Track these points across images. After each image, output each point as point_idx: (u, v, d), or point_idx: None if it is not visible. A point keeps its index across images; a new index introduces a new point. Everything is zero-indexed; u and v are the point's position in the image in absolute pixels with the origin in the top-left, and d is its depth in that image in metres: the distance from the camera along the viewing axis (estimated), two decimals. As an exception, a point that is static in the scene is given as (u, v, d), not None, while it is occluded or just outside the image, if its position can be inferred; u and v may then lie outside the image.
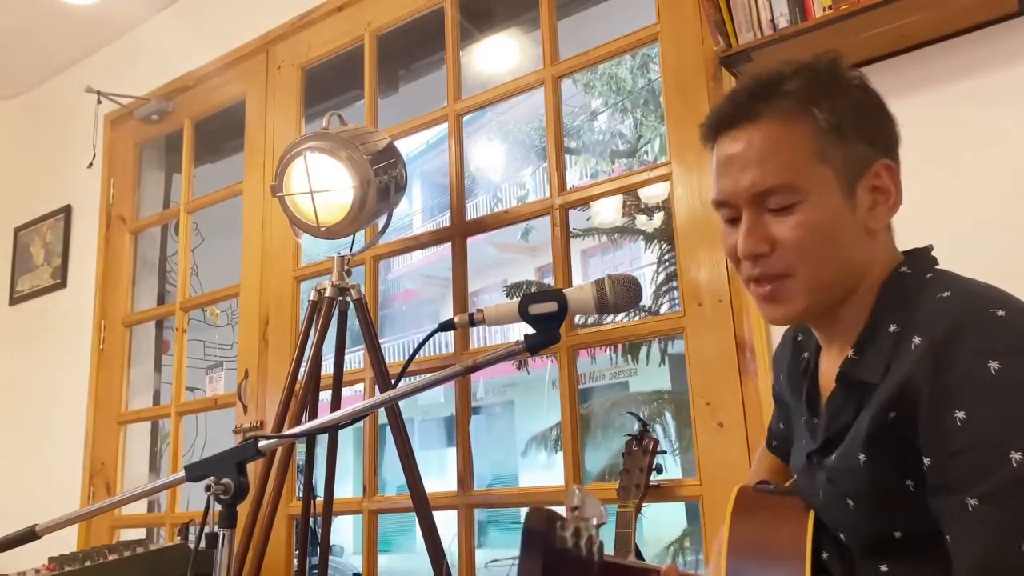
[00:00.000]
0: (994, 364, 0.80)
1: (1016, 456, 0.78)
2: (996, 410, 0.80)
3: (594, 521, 0.68)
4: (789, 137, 0.93)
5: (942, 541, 0.83)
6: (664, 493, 1.78)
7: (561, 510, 0.71)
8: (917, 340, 0.86)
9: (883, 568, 0.93)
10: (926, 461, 0.84)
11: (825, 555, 1.00)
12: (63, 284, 3.42)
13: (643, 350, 8.72)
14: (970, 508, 0.80)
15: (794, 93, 0.94)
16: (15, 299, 3.62)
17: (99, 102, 3.19)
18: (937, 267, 0.98)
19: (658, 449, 1.66)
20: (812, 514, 1.02)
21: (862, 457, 0.90)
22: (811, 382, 1.06)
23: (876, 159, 0.96)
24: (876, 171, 0.95)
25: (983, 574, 0.79)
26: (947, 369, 0.82)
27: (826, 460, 0.98)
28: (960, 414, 0.81)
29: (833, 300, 0.96)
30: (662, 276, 8.42)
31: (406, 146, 2.39)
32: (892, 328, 0.91)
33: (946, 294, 0.88)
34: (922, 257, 0.99)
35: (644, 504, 1.62)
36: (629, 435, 1.68)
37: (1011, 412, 0.80)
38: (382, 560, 2.68)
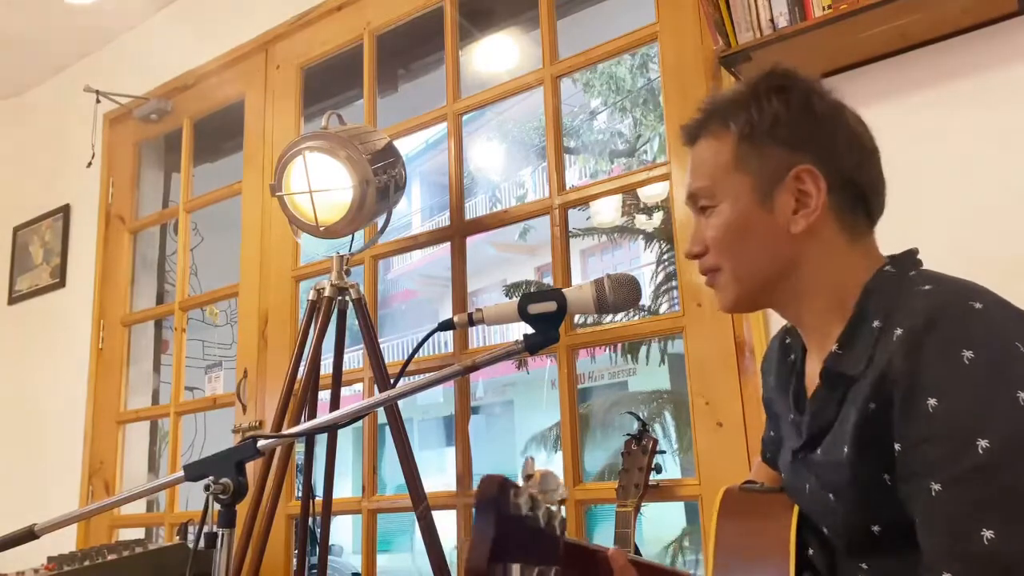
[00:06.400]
0: (967, 353, 0.82)
1: (983, 443, 0.78)
2: (966, 398, 0.81)
3: (555, 495, 0.67)
4: (714, 151, 1.04)
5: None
6: (663, 493, 1.78)
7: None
8: (898, 332, 0.87)
9: (864, 566, 0.94)
10: (896, 447, 0.85)
11: (811, 551, 1.02)
12: (62, 284, 3.42)
13: (642, 350, 8.71)
14: (933, 493, 0.81)
15: (720, 112, 1.05)
16: (14, 299, 3.62)
17: (98, 101, 3.19)
18: (922, 267, 0.99)
19: (657, 449, 1.65)
20: (796, 510, 1.03)
21: (847, 451, 0.91)
22: (798, 381, 1.08)
23: (796, 163, 0.98)
24: (797, 175, 0.98)
25: (943, 559, 0.79)
26: (921, 358, 0.84)
27: (812, 456, 0.99)
28: (932, 401, 0.82)
29: (766, 290, 1.03)
30: (661, 276, 8.42)
31: (405, 146, 2.39)
32: (876, 324, 0.93)
33: (927, 287, 0.90)
34: (906, 257, 1.00)
35: (643, 504, 1.61)
36: (628, 435, 1.67)
37: (981, 400, 0.80)
38: (381, 560, 2.68)
